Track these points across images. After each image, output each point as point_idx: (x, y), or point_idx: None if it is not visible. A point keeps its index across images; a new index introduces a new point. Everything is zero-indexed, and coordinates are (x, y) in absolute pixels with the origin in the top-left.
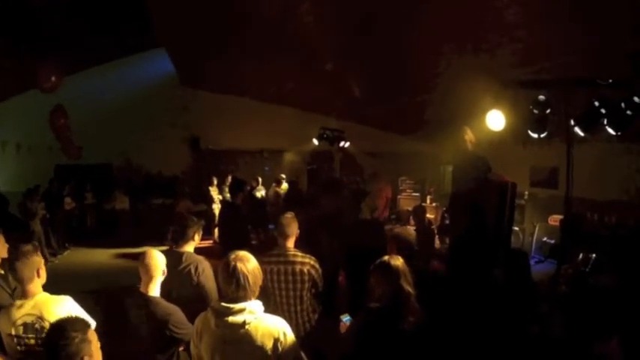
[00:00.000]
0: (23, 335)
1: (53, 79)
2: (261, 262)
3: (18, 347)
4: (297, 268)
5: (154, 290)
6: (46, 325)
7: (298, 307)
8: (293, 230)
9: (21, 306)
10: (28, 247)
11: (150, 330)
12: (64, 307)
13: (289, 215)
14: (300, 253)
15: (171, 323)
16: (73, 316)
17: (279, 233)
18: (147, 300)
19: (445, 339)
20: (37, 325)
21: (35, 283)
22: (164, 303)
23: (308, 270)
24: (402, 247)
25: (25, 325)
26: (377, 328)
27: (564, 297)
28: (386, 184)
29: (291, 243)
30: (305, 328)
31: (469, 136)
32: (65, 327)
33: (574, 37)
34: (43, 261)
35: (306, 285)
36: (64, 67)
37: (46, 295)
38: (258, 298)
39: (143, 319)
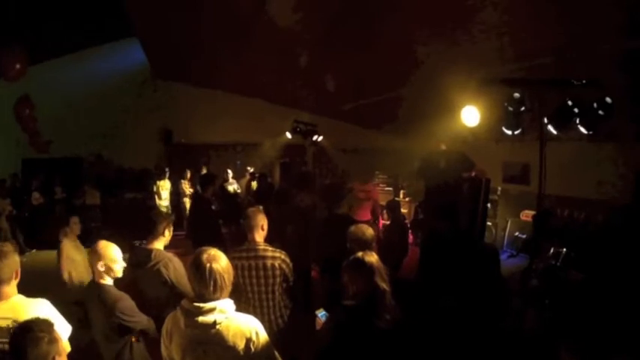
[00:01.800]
0: None
1: (18, 66)
2: (231, 258)
3: None
4: (268, 262)
5: (106, 279)
6: None
7: (270, 303)
8: (259, 222)
9: None
10: (8, 247)
11: (101, 318)
12: (40, 311)
13: (255, 208)
14: (270, 248)
15: (118, 310)
16: (37, 316)
17: (246, 227)
18: (97, 287)
19: (421, 336)
20: (12, 330)
21: (12, 285)
22: (113, 289)
23: (279, 264)
24: (353, 246)
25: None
26: (352, 326)
27: (536, 291)
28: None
29: (260, 237)
30: (277, 324)
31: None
32: (32, 328)
33: (551, 36)
34: (19, 261)
35: (278, 280)
36: (28, 55)
37: (22, 297)
38: (230, 295)
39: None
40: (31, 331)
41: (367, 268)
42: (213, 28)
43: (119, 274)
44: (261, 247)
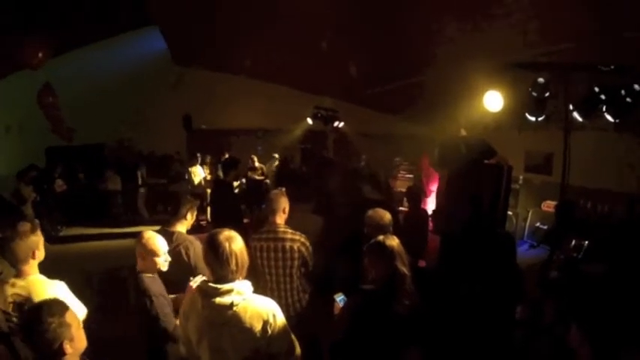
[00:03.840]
0: (12, 313)
1: (40, 55)
2: (251, 240)
3: (7, 323)
4: (287, 245)
5: (148, 272)
6: None
7: (288, 286)
8: (281, 205)
9: (14, 284)
10: (25, 228)
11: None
12: (55, 292)
13: (277, 191)
14: (290, 230)
15: (151, 305)
16: (49, 299)
17: (268, 210)
18: (139, 278)
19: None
20: (25, 306)
21: (30, 264)
22: (153, 283)
23: (298, 247)
24: (370, 231)
25: (14, 303)
26: (371, 311)
27: (555, 283)
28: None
29: (280, 219)
30: (295, 307)
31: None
32: (40, 312)
33: (576, 20)
34: (41, 240)
35: (296, 263)
36: (51, 43)
37: (40, 277)
38: (247, 277)
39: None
40: (40, 315)
41: (388, 252)
42: (233, 12)
43: (163, 267)
44: (281, 229)
